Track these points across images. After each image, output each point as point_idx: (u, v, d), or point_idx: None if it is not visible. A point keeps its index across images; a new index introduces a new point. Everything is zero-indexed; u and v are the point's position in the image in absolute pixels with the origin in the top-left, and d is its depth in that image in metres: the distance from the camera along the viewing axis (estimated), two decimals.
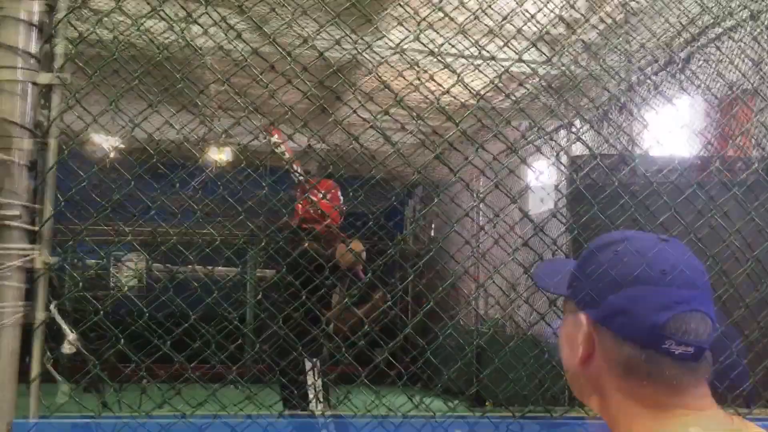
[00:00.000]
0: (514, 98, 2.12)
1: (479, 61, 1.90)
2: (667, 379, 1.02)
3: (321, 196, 3.84)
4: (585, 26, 2.59)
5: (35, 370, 1.68)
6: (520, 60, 1.91)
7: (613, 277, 1.06)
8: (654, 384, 1.03)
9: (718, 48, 2.49)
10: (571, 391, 1.96)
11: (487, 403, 5.84)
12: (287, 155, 3.20)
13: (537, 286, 1.25)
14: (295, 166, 3.49)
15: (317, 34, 1.82)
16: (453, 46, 1.82)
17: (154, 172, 1.94)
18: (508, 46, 1.87)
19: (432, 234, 10.42)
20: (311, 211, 4.04)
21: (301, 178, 3.45)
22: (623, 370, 1.05)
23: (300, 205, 4.17)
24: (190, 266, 1.88)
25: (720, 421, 1.03)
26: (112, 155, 1.84)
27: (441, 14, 1.87)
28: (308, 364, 3.36)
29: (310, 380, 3.31)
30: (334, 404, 3.35)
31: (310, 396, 3.43)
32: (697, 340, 1.02)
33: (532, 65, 2.04)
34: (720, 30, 2.77)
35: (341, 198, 4.11)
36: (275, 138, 3.17)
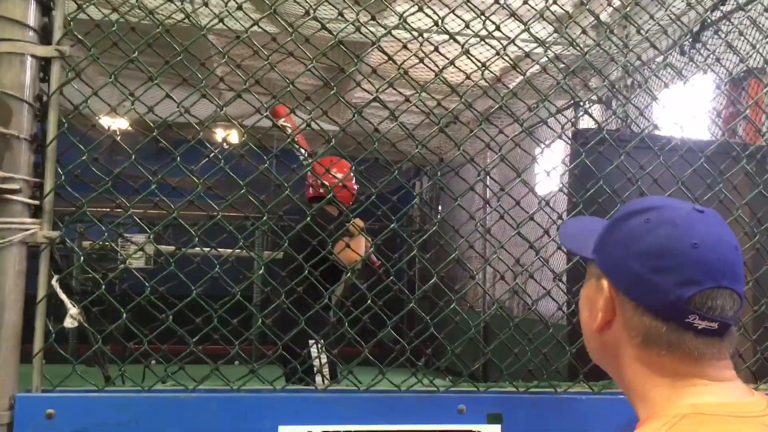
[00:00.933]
0: (522, 73, 2.09)
1: (483, 32, 1.86)
2: (687, 351, 1.00)
3: (334, 174, 3.78)
4: (595, 3, 2.54)
5: (38, 344, 1.68)
6: (527, 31, 1.88)
7: (640, 245, 1.03)
8: (673, 355, 1.01)
9: (729, 21, 2.44)
10: (574, 367, 1.94)
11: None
12: (288, 127, 3.13)
13: (562, 244, 1.23)
14: (300, 144, 3.43)
15: (318, 5, 1.79)
16: (458, 16, 1.79)
17: (158, 149, 1.92)
18: (515, 16, 1.84)
19: (439, 213, 10.41)
20: (321, 191, 3.99)
21: (303, 154, 3.39)
22: (642, 340, 1.03)
23: (311, 185, 4.12)
24: (203, 247, 1.86)
25: (739, 393, 1.01)
26: (115, 130, 1.82)
27: None
28: (311, 340, 3.34)
29: (314, 353, 3.30)
30: (339, 379, 3.35)
31: (315, 371, 3.43)
32: (722, 316, 0.99)
33: (538, 39, 2.00)
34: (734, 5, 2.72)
35: (353, 178, 4.05)
36: (282, 121, 3.12)
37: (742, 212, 2.08)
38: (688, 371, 1.01)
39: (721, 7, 3.10)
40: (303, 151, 3.43)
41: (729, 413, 0.97)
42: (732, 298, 1.00)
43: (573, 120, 5.35)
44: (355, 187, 4.07)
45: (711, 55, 2.20)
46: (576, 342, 1.79)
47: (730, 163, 2.12)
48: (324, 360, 3.48)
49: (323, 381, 3.20)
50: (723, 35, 2.33)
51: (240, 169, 1.99)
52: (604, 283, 1.07)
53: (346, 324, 1.88)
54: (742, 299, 1.02)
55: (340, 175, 3.87)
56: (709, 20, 2.57)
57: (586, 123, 5.59)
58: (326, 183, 2.14)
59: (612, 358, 1.10)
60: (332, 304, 3.72)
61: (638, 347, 1.04)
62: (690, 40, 2.73)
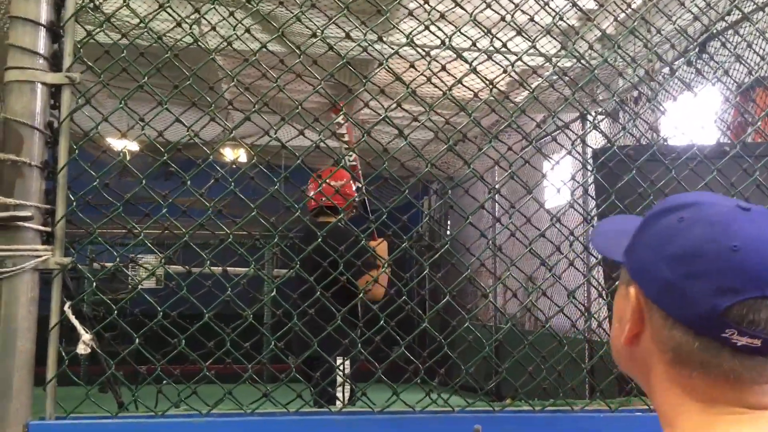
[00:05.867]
0: (529, 88, 2.09)
1: (491, 50, 1.86)
2: (723, 372, 0.88)
3: (332, 184, 3.75)
4: (601, 17, 2.54)
5: (51, 372, 1.68)
6: (534, 47, 1.88)
7: (671, 247, 0.90)
8: (707, 376, 0.89)
9: (736, 32, 2.43)
10: (592, 385, 1.91)
11: (507, 399, 5.79)
12: (346, 137, 3.07)
13: (592, 245, 1.08)
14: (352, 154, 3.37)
15: (326, 27, 1.80)
16: (463, 34, 1.79)
17: (167, 171, 1.92)
18: (522, 34, 1.84)
19: (448, 229, 10.39)
20: (322, 201, 3.97)
21: (353, 163, 3.35)
22: (672, 357, 0.91)
23: (314, 196, 4.11)
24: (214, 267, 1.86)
25: None
26: (126, 155, 1.82)
27: (451, 4, 1.84)
28: (338, 361, 3.29)
29: (339, 380, 3.24)
30: (354, 400, 3.31)
31: (339, 396, 3.37)
32: (766, 332, 0.85)
33: (546, 56, 2.00)
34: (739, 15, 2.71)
35: (354, 186, 4.04)
36: (340, 119, 3.00)
37: None
38: (724, 398, 0.88)
39: (727, 18, 3.09)
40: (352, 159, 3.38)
41: None
42: None
43: (582, 135, 5.34)
44: (354, 191, 4.05)
45: (719, 68, 2.19)
46: (592, 359, 1.78)
47: (745, 167, 2.11)
48: (348, 372, 3.42)
49: (343, 397, 3.15)
50: (731, 46, 2.32)
51: (250, 188, 1.99)
52: (632, 290, 0.95)
53: (359, 345, 1.87)
54: None
55: (336, 183, 3.81)
56: (715, 30, 2.56)
57: (593, 136, 5.58)
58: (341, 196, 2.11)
59: (642, 373, 0.97)
60: (359, 322, 3.64)
61: (668, 365, 0.91)
62: (697, 51, 2.72)
